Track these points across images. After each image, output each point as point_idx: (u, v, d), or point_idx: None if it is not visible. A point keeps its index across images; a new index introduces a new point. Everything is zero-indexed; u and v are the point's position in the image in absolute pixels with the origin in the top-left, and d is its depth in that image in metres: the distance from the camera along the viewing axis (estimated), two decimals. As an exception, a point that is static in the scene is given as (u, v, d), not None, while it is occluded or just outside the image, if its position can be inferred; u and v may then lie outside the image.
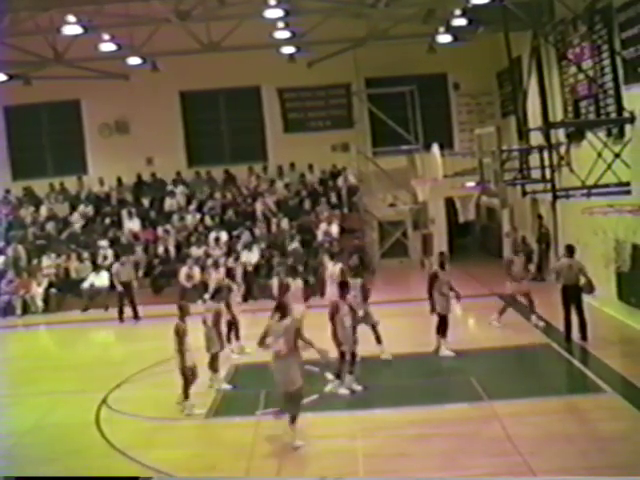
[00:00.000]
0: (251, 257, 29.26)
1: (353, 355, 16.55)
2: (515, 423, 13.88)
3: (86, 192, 34.03)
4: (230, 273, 25.11)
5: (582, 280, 18.88)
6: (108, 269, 28.45)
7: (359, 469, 12.56)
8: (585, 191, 19.60)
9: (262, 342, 14.15)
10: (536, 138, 23.39)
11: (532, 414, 14.39)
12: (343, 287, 16.53)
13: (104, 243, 30.48)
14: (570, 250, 19.20)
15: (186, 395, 15.62)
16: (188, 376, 15.64)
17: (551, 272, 19.36)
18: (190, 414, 15.44)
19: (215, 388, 17.19)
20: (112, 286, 27.28)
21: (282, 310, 14.14)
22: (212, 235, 30.70)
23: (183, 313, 15.86)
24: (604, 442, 12.89)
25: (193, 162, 34.83)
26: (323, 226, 30.73)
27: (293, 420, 13.72)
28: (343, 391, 16.26)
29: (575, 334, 18.92)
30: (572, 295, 18.82)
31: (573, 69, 23.18)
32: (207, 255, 29.49)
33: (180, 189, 33.45)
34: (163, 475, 12.57)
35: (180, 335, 15.48)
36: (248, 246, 29.69)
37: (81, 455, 13.79)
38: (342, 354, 16.30)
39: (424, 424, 14.41)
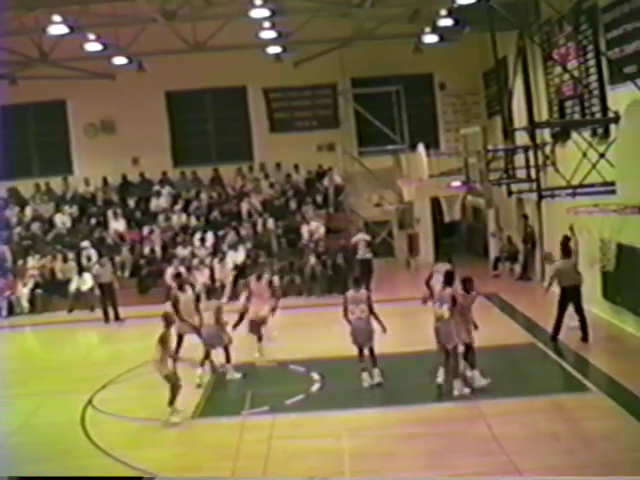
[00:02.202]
0: (237, 257, 29.25)
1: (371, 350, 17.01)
2: (501, 422, 13.92)
3: (72, 192, 33.91)
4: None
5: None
6: (90, 270, 28.36)
7: (345, 469, 12.56)
8: (570, 191, 19.65)
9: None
10: (521, 138, 23.46)
11: (518, 413, 14.44)
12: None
13: (86, 244, 30.34)
14: (566, 250, 19.08)
15: (172, 401, 15.38)
16: (175, 382, 15.43)
17: (551, 275, 19.15)
18: (174, 421, 15.18)
19: (227, 378, 17.83)
20: (96, 287, 27.26)
21: (449, 278, 16.05)
22: (197, 235, 30.65)
23: (169, 323, 15.73)
24: (590, 441, 12.95)
25: (179, 162, 34.76)
26: (308, 226, 30.73)
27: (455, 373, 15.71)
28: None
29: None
30: (572, 296, 18.72)
31: (558, 69, 23.24)
32: (193, 255, 29.46)
33: (166, 189, 33.36)
34: (154, 474, 12.54)
35: (164, 343, 15.30)
36: (234, 246, 29.68)
37: (67, 456, 13.75)
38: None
39: (410, 424, 14.44)
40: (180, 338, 18.56)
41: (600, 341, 19.09)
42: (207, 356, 17.92)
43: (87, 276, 28.22)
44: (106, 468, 13.00)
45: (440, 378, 16.00)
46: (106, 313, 26.00)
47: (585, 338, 18.69)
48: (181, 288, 19.38)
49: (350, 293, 17.02)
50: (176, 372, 15.63)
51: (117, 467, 12.98)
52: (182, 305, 18.75)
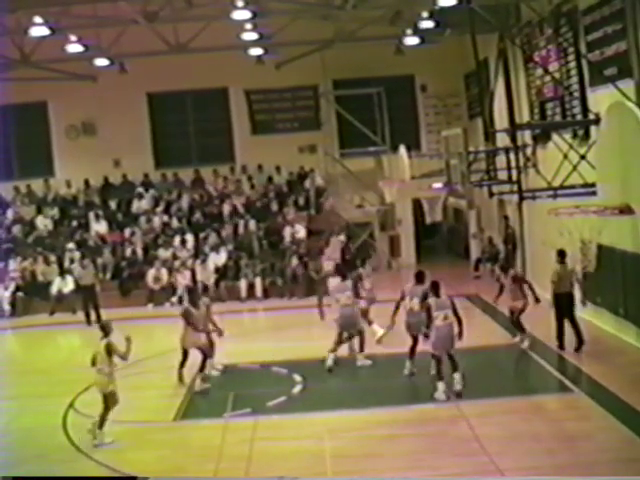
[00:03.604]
0: (218, 259, 29.24)
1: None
2: (482, 423, 13.99)
3: (53, 194, 33.78)
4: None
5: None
6: (72, 272, 28.23)
7: (327, 470, 12.60)
8: (551, 192, 19.69)
9: None
10: (502, 139, 23.50)
11: (499, 414, 14.52)
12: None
13: (71, 245, 30.25)
14: (562, 255, 18.84)
15: (102, 423, 14.51)
16: (112, 402, 14.71)
17: (552, 280, 18.83)
18: (101, 444, 14.30)
19: (208, 372, 17.79)
20: (78, 289, 27.14)
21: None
22: (179, 237, 30.61)
23: (107, 332, 15.01)
24: (570, 441, 13.04)
25: (160, 164, 34.68)
26: (289, 228, 30.77)
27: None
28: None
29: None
30: (565, 304, 18.39)
31: (539, 71, 23.31)
32: (175, 257, 29.43)
33: (148, 191, 33.26)
34: (138, 474, 12.54)
35: (111, 354, 14.71)
36: (215, 248, 29.65)
37: (48, 459, 13.70)
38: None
39: (392, 424, 14.49)
40: (185, 353, 17.85)
41: (581, 342, 19.19)
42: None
43: (69, 278, 28.08)
44: (89, 472, 12.99)
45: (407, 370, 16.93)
46: (88, 315, 25.87)
47: (579, 348, 18.22)
48: (195, 305, 18.21)
49: (336, 282, 18.95)
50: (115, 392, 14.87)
51: (99, 470, 12.97)
52: (195, 320, 17.81)
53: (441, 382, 15.72)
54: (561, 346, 18.46)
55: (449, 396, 15.56)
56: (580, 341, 18.26)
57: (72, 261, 29.31)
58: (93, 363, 14.86)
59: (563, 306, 18.46)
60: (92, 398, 16.96)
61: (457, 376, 15.78)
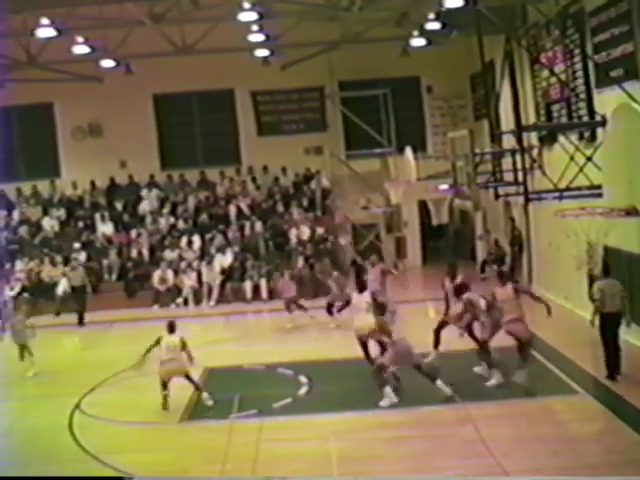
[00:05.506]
0: (224, 260, 29.24)
1: None
2: (488, 425, 13.97)
3: (59, 195, 33.80)
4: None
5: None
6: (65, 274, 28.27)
7: (333, 471, 12.60)
8: (557, 194, 19.66)
9: None
10: (509, 141, 23.47)
11: (505, 416, 14.51)
12: None
13: (78, 246, 30.27)
14: (606, 269, 17.66)
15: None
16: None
17: (596, 298, 16.70)
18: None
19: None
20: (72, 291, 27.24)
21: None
22: (185, 238, 30.63)
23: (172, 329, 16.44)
24: (576, 443, 13.02)
25: (166, 165, 34.68)
26: (295, 229, 30.78)
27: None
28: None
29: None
30: (613, 325, 16.57)
31: (545, 73, 23.31)
32: (181, 258, 29.45)
33: (154, 192, 33.30)
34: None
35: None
36: (221, 249, 29.66)
37: (53, 460, 13.70)
38: None
39: (398, 426, 14.49)
40: None
41: (586, 344, 19.09)
42: None
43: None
44: (93, 472, 12.99)
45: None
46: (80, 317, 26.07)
47: (612, 376, 16.31)
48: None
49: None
50: None
51: (105, 471, 12.97)
52: None
53: (387, 387, 15.82)
54: (612, 376, 16.27)
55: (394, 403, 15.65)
56: (617, 368, 16.38)
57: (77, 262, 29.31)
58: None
59: (611, 327, 16.66)
60: (98, 399, 17.08)
61: (439, 383, 15.74)
